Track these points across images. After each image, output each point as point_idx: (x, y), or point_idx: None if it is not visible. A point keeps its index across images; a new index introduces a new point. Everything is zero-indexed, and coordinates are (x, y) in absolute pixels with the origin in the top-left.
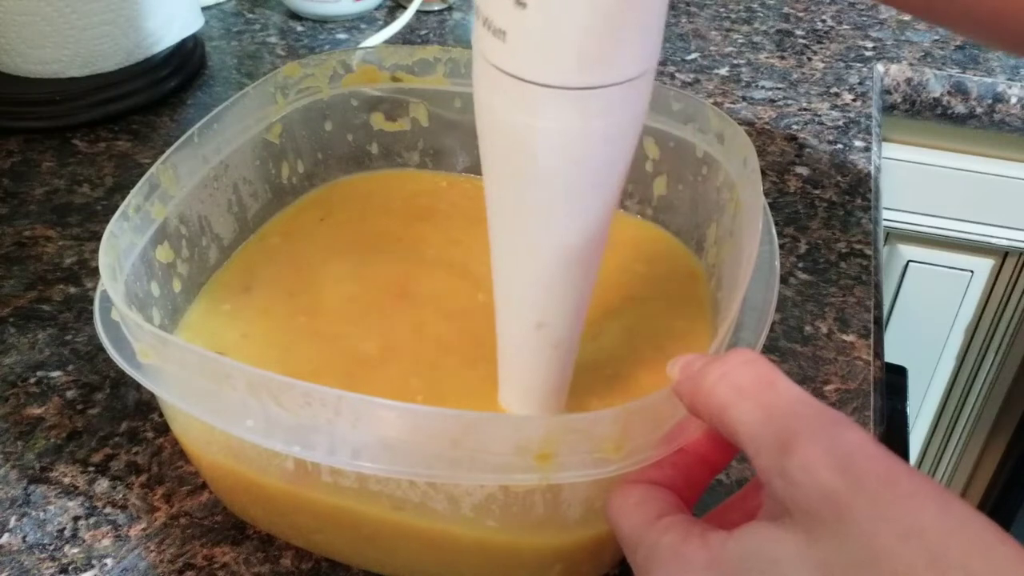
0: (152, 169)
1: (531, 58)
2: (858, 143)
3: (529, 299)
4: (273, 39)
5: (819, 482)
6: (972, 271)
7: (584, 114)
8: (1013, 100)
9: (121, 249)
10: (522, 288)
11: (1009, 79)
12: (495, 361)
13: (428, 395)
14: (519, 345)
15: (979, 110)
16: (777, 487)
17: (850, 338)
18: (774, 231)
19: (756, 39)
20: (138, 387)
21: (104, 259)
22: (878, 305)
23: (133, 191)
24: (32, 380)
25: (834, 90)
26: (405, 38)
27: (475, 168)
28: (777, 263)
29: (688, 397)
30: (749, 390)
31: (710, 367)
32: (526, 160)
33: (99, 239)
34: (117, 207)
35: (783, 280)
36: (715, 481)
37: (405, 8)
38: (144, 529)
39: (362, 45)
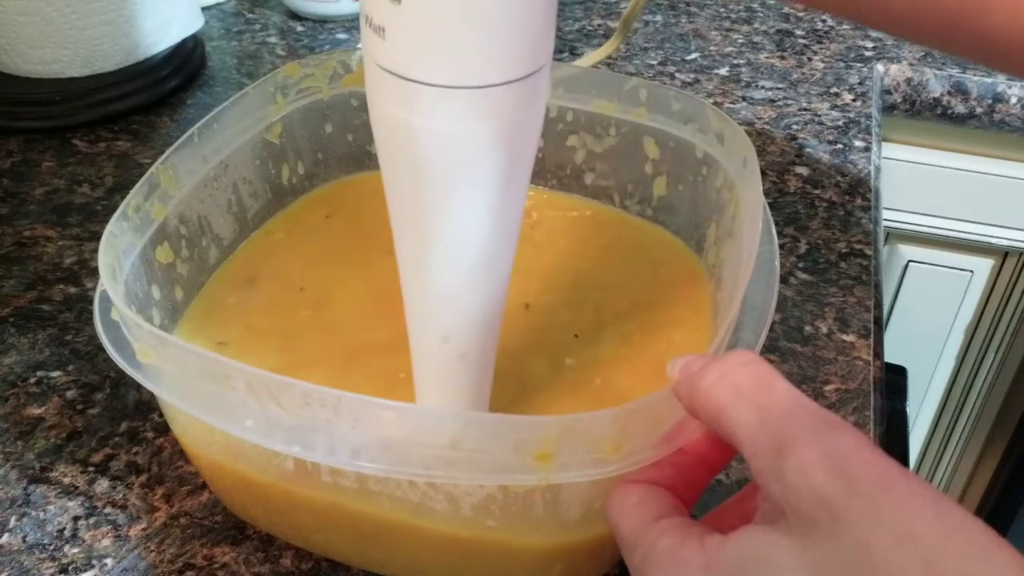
0: (152, 169)
1: (409, 55)
2: (858, 143)
3: (431, 311)
4: (273, 39)
5: (814, 486)
6: (972, 271)
7: (466, 114)
8: (1013, 100)
9: (121, 249)
10: (423, 300)
11: (1009, 79)
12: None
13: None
14: (427, 359)
15: (979, 110)
16: (773, 490)
17: (850, 338)
18: (774, 231)
19: (756, 39)
20: (138, 387)
21: (104, 259)
22: (878, 305)
23: (133, 191)
24: (32, 380)
25: (834, 90)
26: None
27: None
28: (777, 263)
29: (687, 398)
30: (747, 392)
31: (709, 368)
32: (412, 161)
33: (99, 239)
34: (117, 207)
35: (783, 280)
36: (715, 481)
37: None
38: (144, 529)
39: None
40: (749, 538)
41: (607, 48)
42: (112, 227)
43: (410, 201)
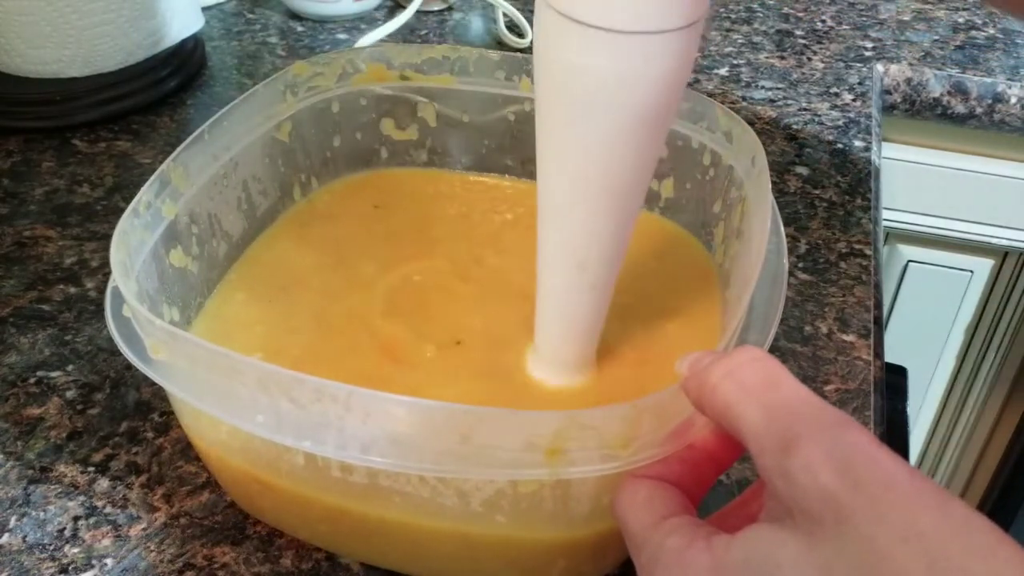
0: (163, 166)
1: (591, 3)
2: (858, 143)
3: (573, 240)
4: (273, 39)
5: (819, 484)
6: (972, 271)
7: (638, 58)
8: (1013, 100)
9: (132, 246)
10: (567, 229)
11: (1009, 79)
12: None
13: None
14: (559, 287)
15: (979, 110)
16: (779, 487)
17: (850, 338)
18: (782, 229)
19: (756, 39)
20: (138, 387)
21: (116, 255)
22: (878, 305)
23: (144, 188)
24: (32, 380)
25: (834, 90)
26: (405, 38)
27: (480, 166)
28: (785, 261)
29: (695, 394)
30: (754, 389)
31: (716, 364)
32: (581, 101)
33: (99, 239)
34: (117, 207)
35: None
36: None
37: (405, 8)
38: (144, 529)
39: (360, 42)
40: (755, 538)
41: None
42: (124, 224)
43: (570, 139)
